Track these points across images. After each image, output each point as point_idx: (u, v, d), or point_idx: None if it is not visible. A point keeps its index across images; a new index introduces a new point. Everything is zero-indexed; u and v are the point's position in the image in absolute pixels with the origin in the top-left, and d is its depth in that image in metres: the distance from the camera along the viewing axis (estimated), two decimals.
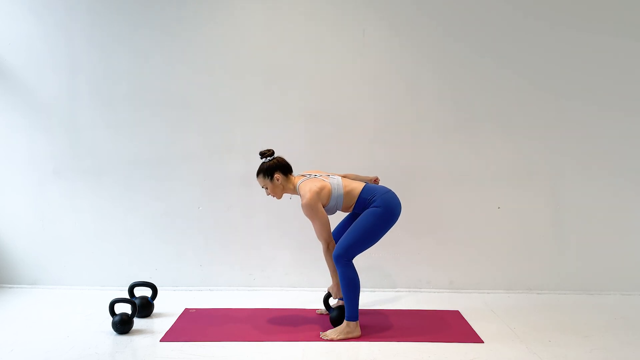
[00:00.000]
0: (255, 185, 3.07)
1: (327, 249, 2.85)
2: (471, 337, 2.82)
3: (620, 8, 3.46)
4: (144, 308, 3.10)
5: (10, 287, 3.69)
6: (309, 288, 3.62)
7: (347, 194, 2.84)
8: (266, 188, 2.90)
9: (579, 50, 3.49)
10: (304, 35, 3.55)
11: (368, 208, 2.80)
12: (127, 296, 3.19)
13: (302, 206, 2.76)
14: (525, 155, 3.56)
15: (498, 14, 3.48)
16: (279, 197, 2.93)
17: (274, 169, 2.85)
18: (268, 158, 2.87)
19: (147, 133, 3.61)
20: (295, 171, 2.96)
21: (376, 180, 3.08)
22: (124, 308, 3.04)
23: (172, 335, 2.84)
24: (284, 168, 2.88)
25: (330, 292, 3.04)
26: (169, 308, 3.26)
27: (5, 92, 3.61)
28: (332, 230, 2.98)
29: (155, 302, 3.22)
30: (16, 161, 3.66)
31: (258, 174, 2.88)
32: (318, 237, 2.85)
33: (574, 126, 3.54)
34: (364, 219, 2.78)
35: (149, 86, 3.58)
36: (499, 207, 3.59)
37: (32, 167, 3.65)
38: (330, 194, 2.81)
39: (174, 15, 3.53)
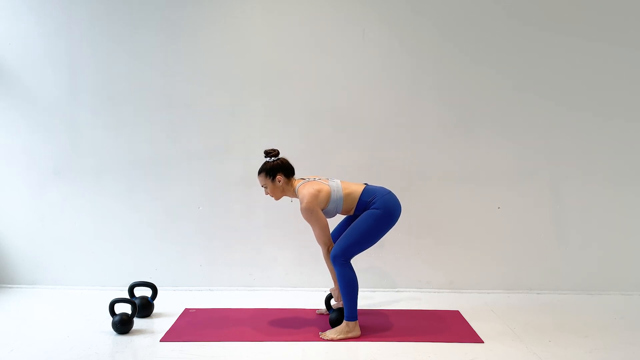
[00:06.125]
0: (256, 185, 3.07)
1: (327, 253, 2.85)
2: (471, 337, 2.82)
3: (619, 15, 3.46)
4: (144, 308, 3.10)
5: (10, 287, 3.69)
6: (309, 288, 3.62)
7: (347, 196, 2.82)
8: (266, 187, 2.88)
9: (577, 54, 3.49)
10: (303, 35, 3.54)
11: (368, 209, 2.80)
12: (127, 296, 3.19)
13: (300, 210, 2.75)
14: (525, 155, 3.56)
15: (498, 16, 3.48)
16: (277, 198, 2.91)
17: (277, 170, 2.82)
18: (273, 158, 2.85)
19: (147, 133, 3.61)
20: (297, 173, 2.95)
21: None
22: (124, 308, 3.04)
23: (172, 335, 2.84)
24: (287, 170, 2.85)
25: (332, 294, 3.04)
26: (169, 308, 3.26)
27: (5, 92, 3.62)
28: (331, 231, 2.98)
29: (155, 302, 3.22)
30: (16, 161, 3.66)
31: (260, 172, 2.86)
32: (317, 241, 2.85)
33: (574, 126, 3.54)
34: (363, 220, 2.78)
35: (149, 86, 3.58)
36: (499, 207, 3.59)
37: (32, 167, 3.65)
38: (329, 196, 2.79)
39: (173, 15, 3.53)
